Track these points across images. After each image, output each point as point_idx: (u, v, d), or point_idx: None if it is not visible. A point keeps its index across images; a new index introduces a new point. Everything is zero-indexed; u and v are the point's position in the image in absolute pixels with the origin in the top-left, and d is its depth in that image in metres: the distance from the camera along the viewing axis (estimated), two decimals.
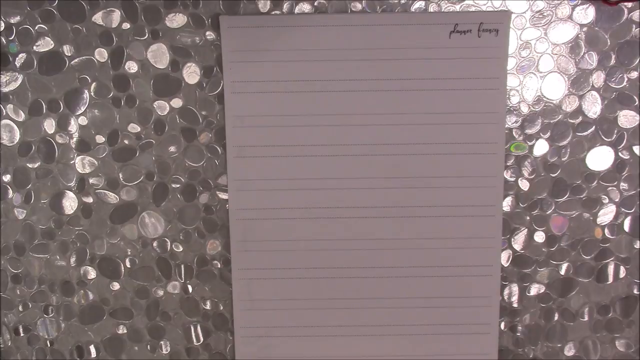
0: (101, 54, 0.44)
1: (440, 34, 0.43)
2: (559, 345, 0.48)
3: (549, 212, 0.46)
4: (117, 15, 0.43)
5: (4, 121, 0.45)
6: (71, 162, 0.45)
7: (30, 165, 0.45)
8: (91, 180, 0.45)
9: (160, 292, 0.47)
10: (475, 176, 0.45)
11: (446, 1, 0.43)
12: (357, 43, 0.43)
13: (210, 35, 0.43)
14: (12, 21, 0.43)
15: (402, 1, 0.43)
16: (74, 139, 0.45)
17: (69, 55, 0.44)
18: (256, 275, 0.46)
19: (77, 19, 0.43)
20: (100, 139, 0.45)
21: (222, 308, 0.47)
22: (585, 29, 0.44)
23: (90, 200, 0.46)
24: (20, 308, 0.47)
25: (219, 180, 0.45)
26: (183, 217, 0.46)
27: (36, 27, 0.43)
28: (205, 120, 0.45)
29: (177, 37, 0.43)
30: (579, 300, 0.47)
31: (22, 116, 0.45)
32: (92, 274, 0.47)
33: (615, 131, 0.45)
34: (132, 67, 0.44)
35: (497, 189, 0.45)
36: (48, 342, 0.47)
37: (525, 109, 0.45)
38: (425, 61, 0.43)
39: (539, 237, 0.46)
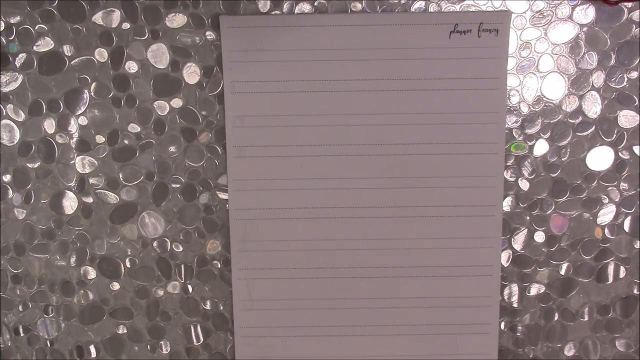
0: (101, 54, 0.44)
1: (440, 34, 0.43)
2: (559, 345, 0.48)
3: (549, 212, 0.46)
4: (117, 15, 0.43)
5: (4, 121, 0.45)
6: (71, 162, 0.45)
7: (30, 165, 0.45)
8: (91, 180, 0.45)
9: (160, 292, 0.47)
10: (475, 176, 0.45)
11: (446, 1, 0.43)
12: (357, 43, 0.43)
13: (210, 35, 0.43)
14: (12, 21, 0.43)
15: (402, 1, 0.43)
16: (74, 139, 0.45)
17: (69, 55, 0.44)
18: (256, 275, 0.46)
19: (77, 19, 0.43)
20: (100, 139, 0.45)
21: (222, 308, 0.47)
22: (585, 29, 0.44)
23: (90, 200, 0.46)
24: (20, 308, 0.47)
25: (219, 180, 0.45)
26: (183, 217, 0.46)
27: (36, 27, 0.43)
28: (205, 120, 0.45)
29: (177, 37, 0.43)
30: (579, 300, 0.47)
31: (22, 116, 0.45)
32: (92, 274, 0.47)
33: (615, 131, 0.45)
34: (132, 67, 0.44)
35: (497, 189, 0.45)
36: (48, 342, 0.47)
37: (525, 109, 0.45)
38: (425, 61, 0.43)
39: (539, 237, 0.46)
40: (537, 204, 0.46)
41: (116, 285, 0.47)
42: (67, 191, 0.45)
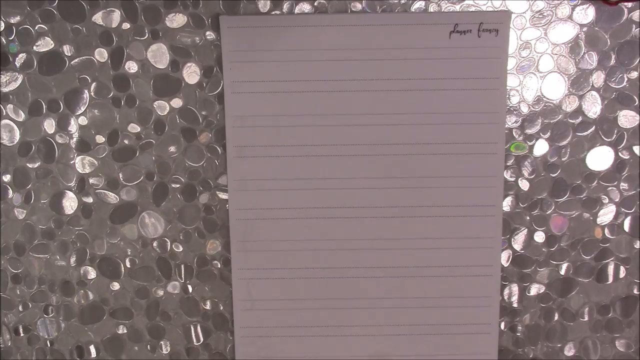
0: (101, 54, 0.44)
1: (440, 34, 0.43)
2: (559, 345, 0.48)
3: (549, 212, 0.46)
4: (117, 15, 0.43)
5: (4, 121, 0.45)
6: (71, 162, 0.45)
7: (30, 165, 0.45)
8: (91, 180, 0.45)
9: (160, 292, 0.47)
10: (475, 176, 0.45)
11: (446, 1, 0.43)
12: (357, 43, 0.43)
13: (210, 35, 0.43)
14: (12, 21, 0.43)
15: (402, 1, 0.43)
16: (74, 139, 0.45)
17: (69, 55, 0.44)
18: (256, 275, 0.46)
19: (77, 19, 0.43)
20: (100, 139, 0.45)
21: (222, 308, 0.47)
22: (585, 29, 0.44)
23: (90, 200, 0.46)
24: (20, 308, 0.47)
25: (219, 180, 0.45)
26: (183, 217, 0.46)
27: (36, 27, 0.43)
28: (205, 120, 0.45)
29: (177, 37, 0.43)
30: (579, 300, 0.47)
31: (22, 116, 0.45)
32: (92, 274, 0.47)
33: (615, 131, 0.45)
34: (132, 67, 0.44)
35: (497, 189, 0.45)
36: (48, 342, 0.47)
37: (525, 109, 0.45)
38: (425, 61, 0.43)
39: (539, 237, 0.46)
40: (537, 204, 0.46)
41: (116, 285, 0.47)
42: (67, 191, 0.45)
